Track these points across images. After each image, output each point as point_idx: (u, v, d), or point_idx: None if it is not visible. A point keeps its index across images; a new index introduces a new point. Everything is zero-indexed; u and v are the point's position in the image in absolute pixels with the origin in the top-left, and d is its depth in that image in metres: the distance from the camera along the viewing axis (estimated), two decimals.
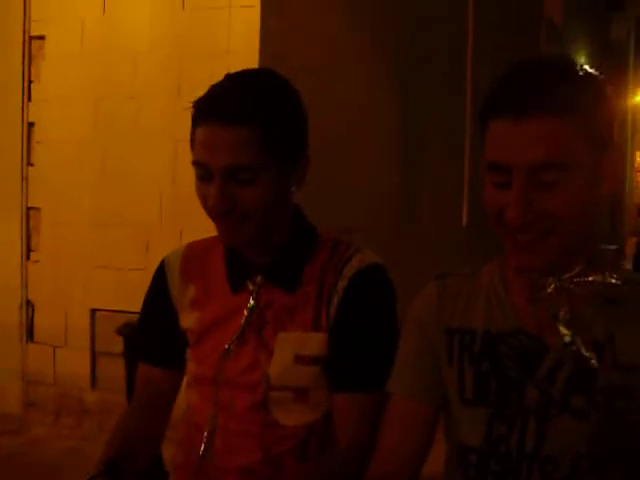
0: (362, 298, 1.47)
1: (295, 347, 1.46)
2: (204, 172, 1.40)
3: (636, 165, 18.40)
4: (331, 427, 1.48)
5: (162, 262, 1.64)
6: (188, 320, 1.56)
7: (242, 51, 4.17)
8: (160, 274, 1.62)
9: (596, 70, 1.19)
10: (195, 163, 1.42)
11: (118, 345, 3.69)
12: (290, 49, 4.50)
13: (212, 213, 1.41)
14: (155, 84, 4.47)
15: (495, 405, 1.22)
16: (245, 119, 1.36)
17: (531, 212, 1.12)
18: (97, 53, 4.62)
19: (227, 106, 1.38)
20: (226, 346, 1.49)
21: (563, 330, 1.17)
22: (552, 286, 1.19)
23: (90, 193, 4.67)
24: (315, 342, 1.45)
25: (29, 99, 4.83)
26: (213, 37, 4.31)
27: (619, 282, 1.17)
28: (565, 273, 1.18)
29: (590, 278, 1.18)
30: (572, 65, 1.18)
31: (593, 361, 1.15)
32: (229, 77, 1.45)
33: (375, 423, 1.39)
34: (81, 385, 4.75)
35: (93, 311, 4.72)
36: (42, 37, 4.79)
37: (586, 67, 1.18)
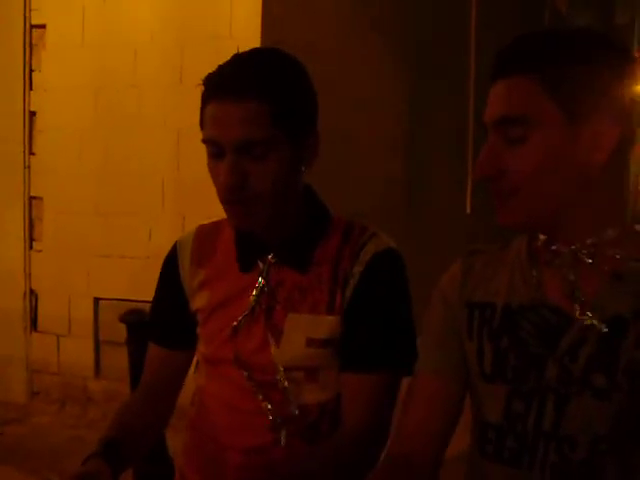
0: (378, 282, 1.46)
1: (306, 329, 1.45)
2: (216, 149, 1.39)
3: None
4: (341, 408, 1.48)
5: (174, 246, 1.63)
6: (198, 301, 1.56)
7: (244, 36, 4.15)
8: (172, 258, 1.62)
9: None
10: (206, 140, 1.41)
11: (122, 333, 3.68)
12: (293, 34, 4.48)
13: (223, 192, 1.40)
14: (157, 72, 4.47)
15: (513, 381, 1.20)
16: (255, 93, 1.36)
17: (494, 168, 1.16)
18: (98, 41, 4.61)
19: (236, 81, 1.37)
20: (234, 323, 1.49)
21: (580, 304, 1.14)
22: (568, 255, 1.17)
23: (92, 182, 4.67)
24: (327, 325, 1.45)
25: (30, 88, 4.83)
26: (215, 23, 4.30)
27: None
28: (580, 241, 1.16)
29: (611, 252, 1.15)
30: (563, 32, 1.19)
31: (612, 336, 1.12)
32: (237, 55, 1.45)
33: (384, 405, 1.38)
34: (85, 374, 4.76)
35: (97, 300, 4.73)
36: (43, 26, 4.79)
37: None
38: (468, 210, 8.15)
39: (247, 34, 4.17)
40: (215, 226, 1.61)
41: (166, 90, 4.41)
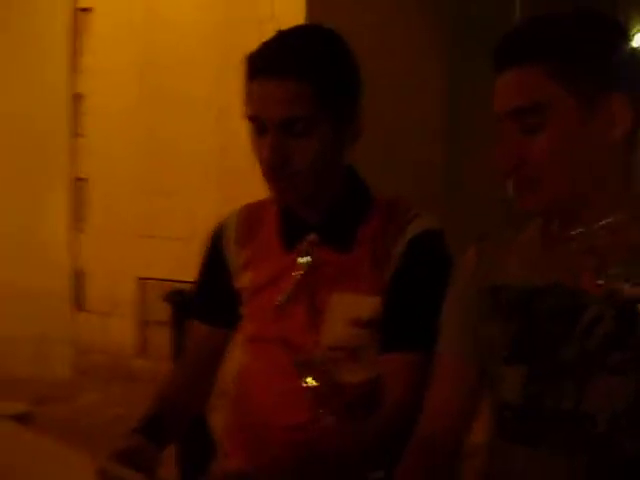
0: (419, 264, 1.46)
1: (349, 310, 1.45)
2: (259, 126, 1.41)
3: None
4: (381, 389, 1.48)
5: (219, 225, 1.65)
6: (242, 280, 1.57)
7: (287, 17, 4.14)
8: (216, 237, 1.63)
9: None
10: (250, 117, 1.43)
11: (166, 313, 3.71)
12: (335, 15, 4.45)
13: (266, 168, 1.42)
14: (201, 53, 4.48)
15: (531, 363, 1.20)
16: (296, 72, 1.37)
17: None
18: (143, 24, 4.63)
19: (279, 60, 1.39)
20: (278, 303, 1.49)
21: (599, 281, 1.14)
22: (581, 234, 1.17)
23: (137, 163, 4.71)
24: (369, 305, 1.45)
25: (76, 71, 4.87)
26: (258, 5, 4.29)
27: None
28: (596, 223, 1.17)
29: (629, 230, 1.15)
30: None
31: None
32: (280, 33, 1.46)
33: (422, 384, 1.39)
34: (130, 353, 4.83)
35: (141, 280, 4.78)
36: (89, 9, 4.82)
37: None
38: (510, 193, 8.07)
39: (290, 13, 4.16)
40: (260, 205, 1.62)
41: (211, 70, 4.42)
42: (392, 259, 1.45)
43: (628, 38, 1.18)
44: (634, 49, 1.17)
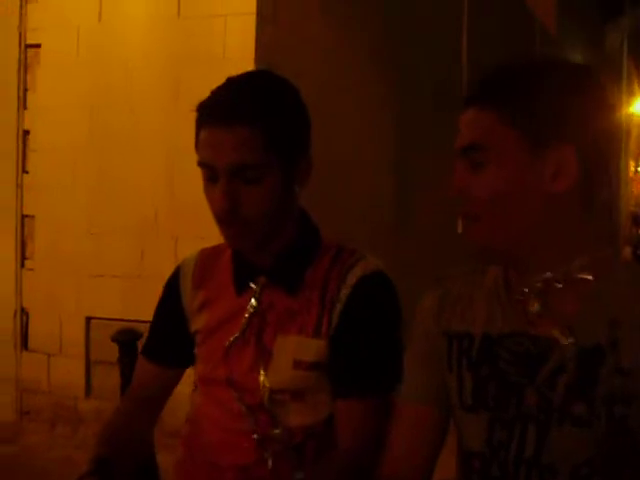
0: (365, 305, 1.47)
1: (294, 352, 1.46)
2: (210, 173, 1.42)
3: (630, 174, 18.40)
4: (331, 432, 1.48)
5: (177, 268, 1.67)
6: (198, 322, 1.58)
7: (238, 59, 4.17)
8: (174, 280, 1.65)
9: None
10: (201, 164, 1.44)
11: (113, 353, 3.67)
12: (286, 57, 4.51)
13: (218, 215, 1.42)
14: (151, 92, 4.48)
15: (495, 410, 1.20)
16: (247, 119, 1.38)
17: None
18: (93, 61, 4.62)
19: (228, 108, 1.40)
20: (226, 344, 1.50)
21: (559, 332, 1.15)
22: (540, 283, 1.18)
23: (85, 201, 4.67)
24: (314, 348, 1.46)
25: (25, 107, 4.83)
26: (209, 45, 4.32)
27: (616, 284, 1.16)
28: (556, 270, 1.17)
29: (584, 276, 1.16)
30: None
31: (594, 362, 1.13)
32: (230, 79, 1.47)
33: (378, 429, 1.39)
34: (76, 393, 4.73)
35: (88, 319, 4.71)
36: (38, 45, 4.80)
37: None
38: (459, 230, 8.17)
39: (241, 55, 4.19)
40: (217, 249, 1.65)
41: (161, 109, 4.42)
42: (338, 302, 1.47)
43: (588, 90, 1.18)
44: (592, 102, 1.17)
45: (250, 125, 1.38)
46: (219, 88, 1.45)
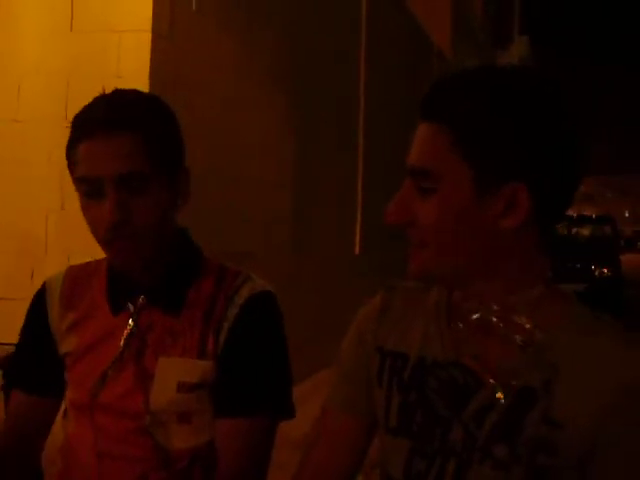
0: (252, 326, 1.45)
1: (178, 374, 1.42)
2: (92, 188, 1.36)
3: None
4: (215, 455, 1.44)
5: (42, 286, 1.58)
6: (67, 345, 1.51)
7: (132, 76, 4.10)
8: (39, 298, 1.57)
9: None
10: (81, 180, 1.37)
11: None
12: (182, 75, 4.46)
13: (107, 230, 1.36)
14: (41, 108, 4.35)
15: (417, 439, 1.16)
16: (128, 126, 1.35)
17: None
18: None
19: (108, 116, 1.36)
20: (104, 368, 1.44)
21: (490, 371, 1.10)
22: (478, 315, 1.13)
23: None
24: (199, 369, 1.42)
25: None
26: (102, 61, 4.22)
27: (549, 333, 1.09)
28: (498, 302, 1.12)
29: (521, 320, 1.10)
30: None
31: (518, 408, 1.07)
32: (101, 95, 1.43)
33: (259, 449, 1.37)
34: None
35: None
36: None
37: None
38: (357, 251, 8.25)
39: (135, 72, 4.12)
40: (86, 268, 1.58)
41: (51, 126, 4.29)
42: (226, 322, 1.44)
43: (548, 123, 1.07)
44: (548, 137, 1.07)
45: (132, 132, 1.34)
46: (93, 100, 1.42)
